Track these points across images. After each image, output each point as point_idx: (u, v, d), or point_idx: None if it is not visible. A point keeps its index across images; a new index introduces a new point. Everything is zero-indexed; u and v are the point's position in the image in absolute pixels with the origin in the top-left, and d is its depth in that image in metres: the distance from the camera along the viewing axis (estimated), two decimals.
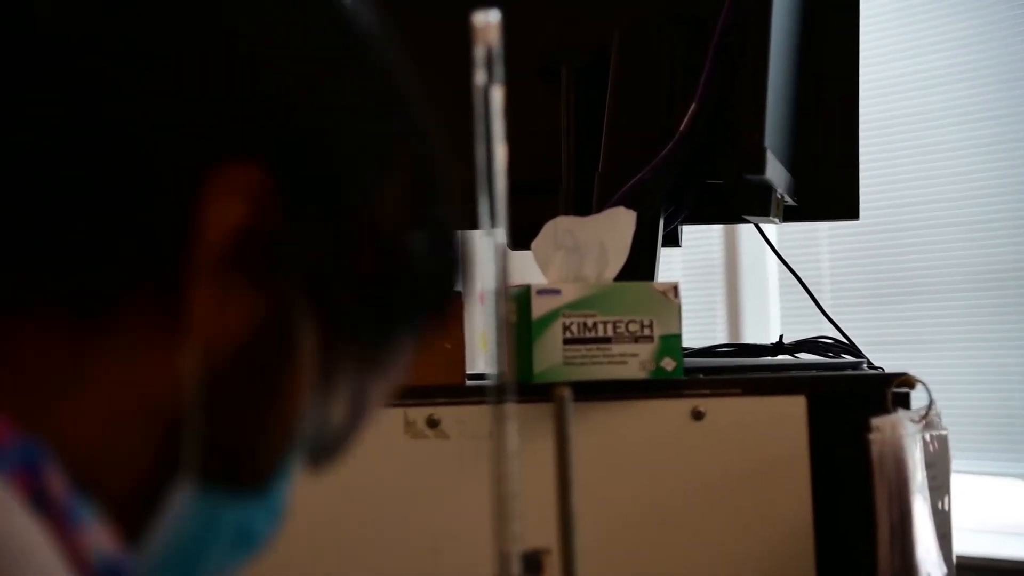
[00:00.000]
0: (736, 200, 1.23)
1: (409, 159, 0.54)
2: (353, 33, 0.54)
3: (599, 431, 1.11)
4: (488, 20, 0.64)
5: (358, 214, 0.52)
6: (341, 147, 0.52)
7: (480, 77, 0.66)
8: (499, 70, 0.66)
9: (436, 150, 0.56)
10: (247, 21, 0.51)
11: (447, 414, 1.11)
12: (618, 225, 1.11)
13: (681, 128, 1.19)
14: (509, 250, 0.70)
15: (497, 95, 0.66)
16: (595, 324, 1.09)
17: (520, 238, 1.12)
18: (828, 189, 1.33)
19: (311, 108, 0.51)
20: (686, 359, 1.16)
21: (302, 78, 0.51)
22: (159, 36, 0.49)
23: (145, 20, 0.49)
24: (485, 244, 0.68)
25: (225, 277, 0.48)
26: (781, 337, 1.36)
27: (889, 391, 1.09)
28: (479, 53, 0.65)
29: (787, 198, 1.27)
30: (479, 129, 0.67)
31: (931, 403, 1.11)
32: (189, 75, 0.49)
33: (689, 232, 1.41)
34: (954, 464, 1.14)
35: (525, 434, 0.69)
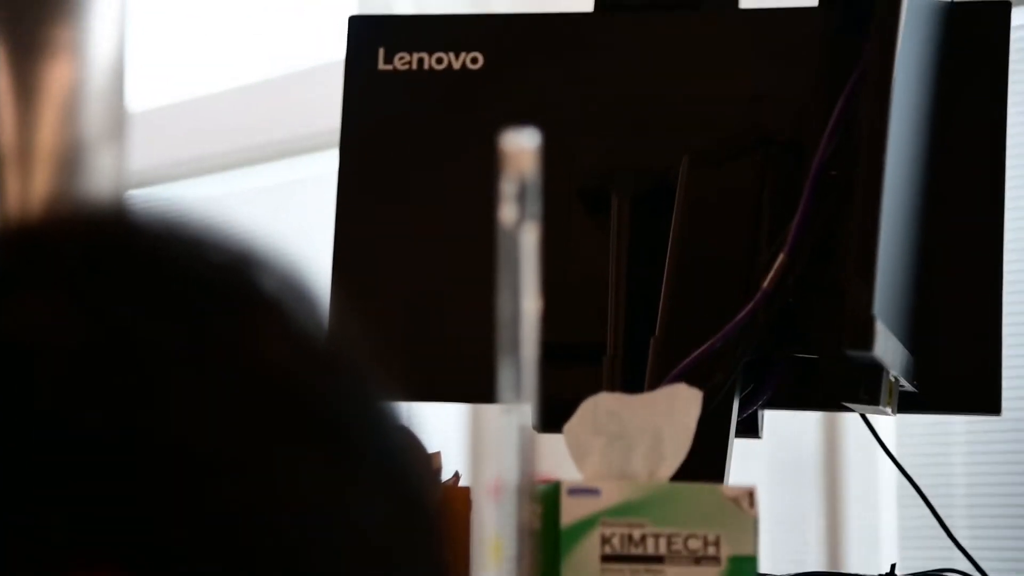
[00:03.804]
0: (836, 382, 1.25)
1: None
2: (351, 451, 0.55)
3: None
4: (522, 145, 0.67)
5: None
6: None
7: (509, 214, 0.69)
8: (534, 205, 0.69)
9: None
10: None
11: None
12: (678, 407, 1.12)
13: (765, 284, 1.23)
14: (536, 433, 0.71)
15: (530, 236, 0.69)
16: (644, 537, 1.10)
17: (551, 418, 1.13)
18: (959, 373, 1.35)
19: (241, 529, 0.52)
20: None
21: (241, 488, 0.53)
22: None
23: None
24: (505, 424, 0.69)
25: None
26: (894, 567, 1.37)
27: None
28: (509, 185, 0.68)
29: (904, 382, 1.29)
30: (504, 277, 0.69)
31: None
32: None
33: (774, 420, 1.43)
34: None
35: None
